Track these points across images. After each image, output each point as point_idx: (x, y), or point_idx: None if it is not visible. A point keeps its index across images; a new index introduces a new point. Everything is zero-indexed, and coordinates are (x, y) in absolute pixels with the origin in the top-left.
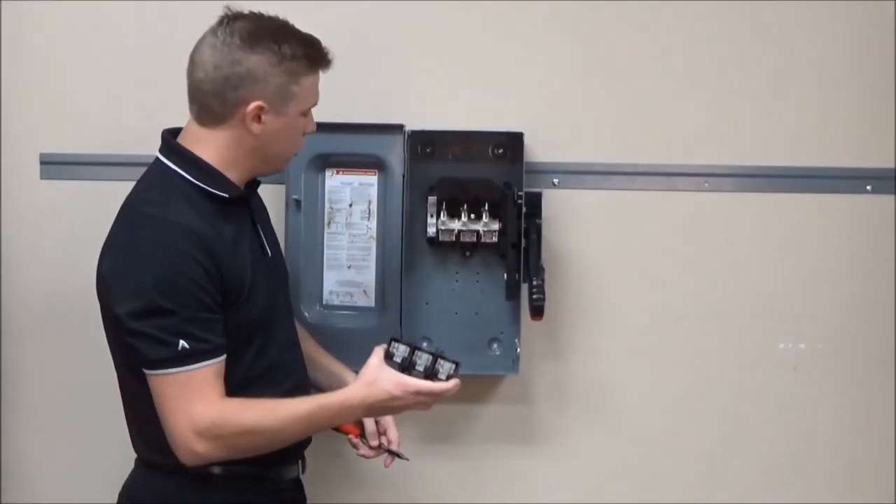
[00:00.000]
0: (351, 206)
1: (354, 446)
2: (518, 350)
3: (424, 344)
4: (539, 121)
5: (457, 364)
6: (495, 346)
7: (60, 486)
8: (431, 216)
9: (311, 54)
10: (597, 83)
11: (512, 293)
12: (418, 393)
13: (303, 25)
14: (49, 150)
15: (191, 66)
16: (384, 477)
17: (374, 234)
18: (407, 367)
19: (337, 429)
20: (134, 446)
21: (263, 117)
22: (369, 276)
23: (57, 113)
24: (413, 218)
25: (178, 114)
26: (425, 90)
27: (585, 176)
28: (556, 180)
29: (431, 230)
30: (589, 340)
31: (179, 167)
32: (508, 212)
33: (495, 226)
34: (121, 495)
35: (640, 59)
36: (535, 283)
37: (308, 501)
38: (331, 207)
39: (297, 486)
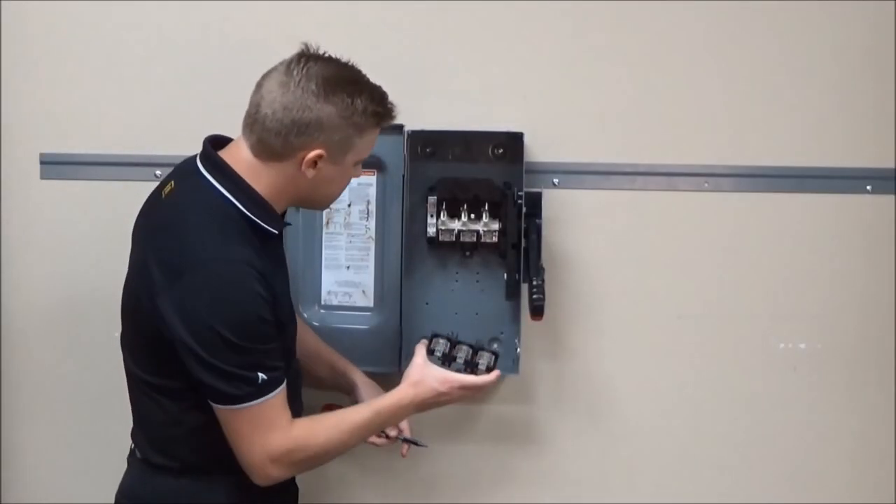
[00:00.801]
0: (350, 206)
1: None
2: (518, 350)
3: (458, 336)
4: (539, 121)
5: (496, 355)
6: (496, 346)
7: (60, 486)
8: (431, 216)
9: (381, 112)
10: (597, 83)
11: (512, 293)
12: (463, 387)
13: (303, 25)
14: (49, 150)
15: (257, 96)
16: (384, 477)
17: (373, 235)
18: (448, 360)
19: None
20: (138, 447)
21: (320, 164)
22: (368, 277)
23: (57, 113)
24: (413, 218)
25: (180, 113)
26: (425, 90)
27: (585, 176)
28: (556, 180)
29: (431, 230)
30: (589, 340)
31: (235, 197)
32: (508, 212)
33: (495, 226)
34: (123, 496)
35: (641, 60)
36: (535, 282)
37: (308, 501)
38: (329, 208)
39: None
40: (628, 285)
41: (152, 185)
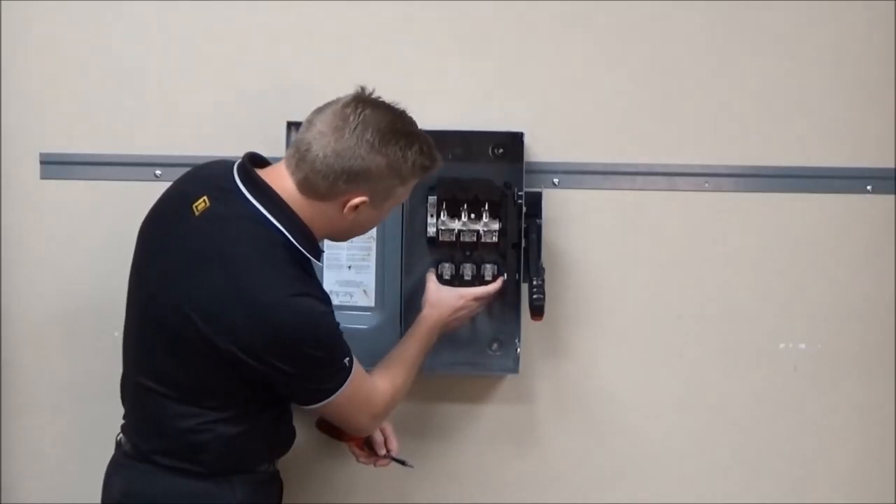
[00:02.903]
0: None
1: (356, 455)
2: (518, 350)
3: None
4: (539, 120)
5: (497, 264)
6: (495, 346)
7: (60, 485)
8: (431, 216)
9: (428, 165)
10: (597, 83)
11: (512, 293)
12: (476, 298)
13: (299, 22)
14: (49, 149)
15: (308, 135)
16: (382, 478)
17: (374, 234)
18: (456, 279)
19: (340, 439)
20: (142, 448)
21: (361, 208)
22: (369, 276)
23: (57, 112)
24: (413, 217)
25: (181, 113)
26: (425, 89)
27: (585, 176)
28: (556, 180)
29: (431, 230)
30: (589, 340)
31: (283, 226)
32: (508, 212)
33: (495, 226)
34: (128, 496)
35: (641, 60)
36: (535, 282)
37: (306, 502)
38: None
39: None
40: (629, 285)
41: (153, 185)
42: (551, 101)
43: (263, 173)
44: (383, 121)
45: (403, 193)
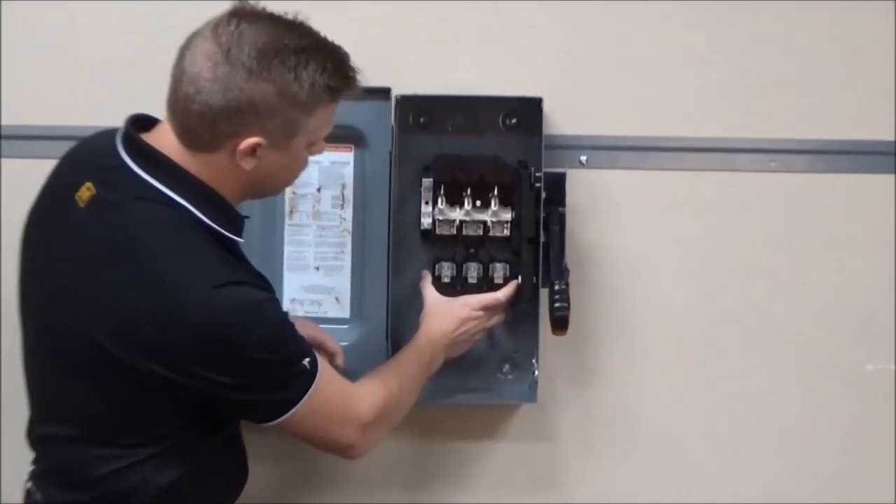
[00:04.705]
0: (319, 190)
1: None
2: (536, 373)
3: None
4: (562, 83)
5: (509, 264)
6: (507, 367)
7: None
8: (426, 203)
9: (335, 85)
10: (635, 37)
11: (528, 300)
12: (485, 307)
13: None
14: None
15: (179, 70)
16: None
17: (350, 227)
18: (459, 282)
19: None
20: (54, 500)
21: (259, 152)
22: (343, 280)
23: (19, 88)
24: (402, 206)
25: (143, 84)
26: (419, 46)
27: (621, 153)
28: (583, 158)
29: (426, 221)
30: (624, 360)
31: (195, 206)
32: (524, 198)
33: (507, 216)
34: None
35: (691, 8)
36: (557, 287)
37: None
38: (293, 193)
39: None
40: (674, 290)
41: None
42: (578, 59)
43: (150, 137)
44: (264, 37)
45: (318, 125)
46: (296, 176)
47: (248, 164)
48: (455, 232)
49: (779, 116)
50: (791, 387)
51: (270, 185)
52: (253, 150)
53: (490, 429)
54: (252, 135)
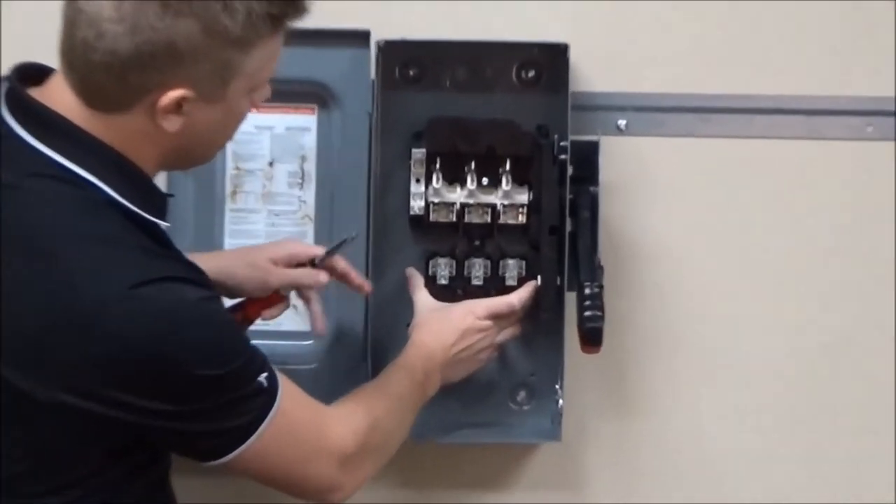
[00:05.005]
0: (272, 164)
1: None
2: (560, 402)
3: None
4: (595, 26)
5: (526, 260)
6: (523, 396)
7: None
8: (417, 182)
9: (277, 11)
10: None
11: (550, 307)
12: (494, 314)
13: None
14: None
15: (72, 9)
16: None
17: (312, 212)
18: (459, 283)
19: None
20: None
21: (186, 108)
22: None
23: None
24: (385, 185)
25: None
26: None
27: (668, 115)
28: (622, 122)
29: (417, 205)
30: (673, 384)
31: (104, 180)
32: (544, 174)
33: (523, 197)
34: None
35: None
36: (587, 291)
37: None
38: (237, 168)
39: None
40: (738, 292)
41: None
42: None
43: (42, 94)
44: None
45: (259, 65)
46: (231, 134)
47: (171, 125)
48: (455, 219)
49: (880, 72)
50: (887, 410)
51: (200, 150)
52: (177, 105)
53: (502, 474)
54: (174, 86)
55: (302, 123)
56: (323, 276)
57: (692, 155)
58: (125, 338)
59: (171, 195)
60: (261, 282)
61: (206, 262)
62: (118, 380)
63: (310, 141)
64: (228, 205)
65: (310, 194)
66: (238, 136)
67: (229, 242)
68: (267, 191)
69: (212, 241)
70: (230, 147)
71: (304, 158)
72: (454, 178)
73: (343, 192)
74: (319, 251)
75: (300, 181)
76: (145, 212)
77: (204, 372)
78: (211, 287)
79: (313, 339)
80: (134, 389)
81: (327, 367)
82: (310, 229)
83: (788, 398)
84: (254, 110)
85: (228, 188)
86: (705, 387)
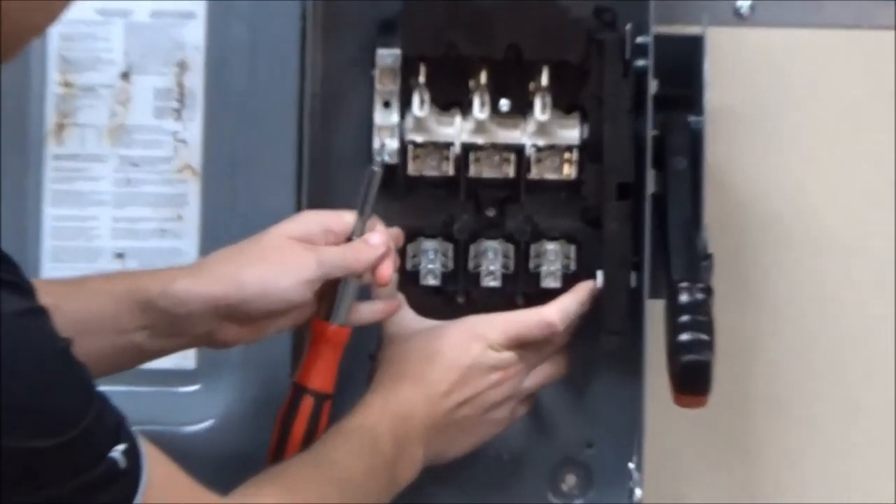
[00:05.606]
0: (126, 77)
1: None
2: (638, 493)
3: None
4: None
5: (576, 242)
6: (572, 481)
7: None
8: (386, 105)
9: None
10: None
11: (619, 328)
12: (519, 340)
13: None
14: None
15: None
16: None
17: (199, 161)
18: (462, 288)
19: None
20: None
21: None
22: None
23: None
24: (330, 113)
25: None
26: None
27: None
28: (741, 6)
29: (387, 146)
30: (817, 446)
31: None
32: (608, 93)
33: (570, 134)
34: None
35: None
36: (686, 299)
37: None
38: (64, 84)
39: None
40: None
41: None
42: None
43: None
44: None
45: None
46: (61, 8)
47: None
48: (452, 171)
49: None
50: None
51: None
52: None
53: None
54: None
55: (181, 6)
56: (386, 235)
57: (845, 57)
58: None
59: None
60: (306, 276)
61: (190, 281)
62: None
63: (194, 38)
64: (48, 148)
65: (194, 130)
66: (67, 26)
67: (52, 214)
68: (118, 123)
69: (22, 211)
70: (53, 45)
71: (183, 67)
72: (450, 101)
73: (254, 125)
74: (350, 216)
75: (178, 105)
76: None
77: (16, 444)
78: (33, 294)
79: (197, 382)
80: None
81: (229, 424)
82: (194, 188)
83: None
84: None
85: (50, 120)
86: (863, 441)
